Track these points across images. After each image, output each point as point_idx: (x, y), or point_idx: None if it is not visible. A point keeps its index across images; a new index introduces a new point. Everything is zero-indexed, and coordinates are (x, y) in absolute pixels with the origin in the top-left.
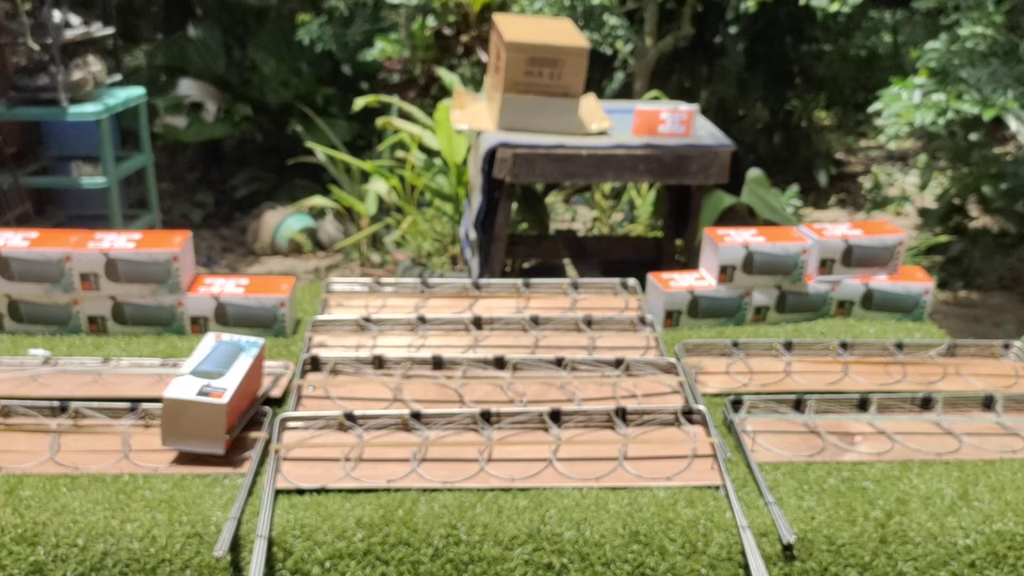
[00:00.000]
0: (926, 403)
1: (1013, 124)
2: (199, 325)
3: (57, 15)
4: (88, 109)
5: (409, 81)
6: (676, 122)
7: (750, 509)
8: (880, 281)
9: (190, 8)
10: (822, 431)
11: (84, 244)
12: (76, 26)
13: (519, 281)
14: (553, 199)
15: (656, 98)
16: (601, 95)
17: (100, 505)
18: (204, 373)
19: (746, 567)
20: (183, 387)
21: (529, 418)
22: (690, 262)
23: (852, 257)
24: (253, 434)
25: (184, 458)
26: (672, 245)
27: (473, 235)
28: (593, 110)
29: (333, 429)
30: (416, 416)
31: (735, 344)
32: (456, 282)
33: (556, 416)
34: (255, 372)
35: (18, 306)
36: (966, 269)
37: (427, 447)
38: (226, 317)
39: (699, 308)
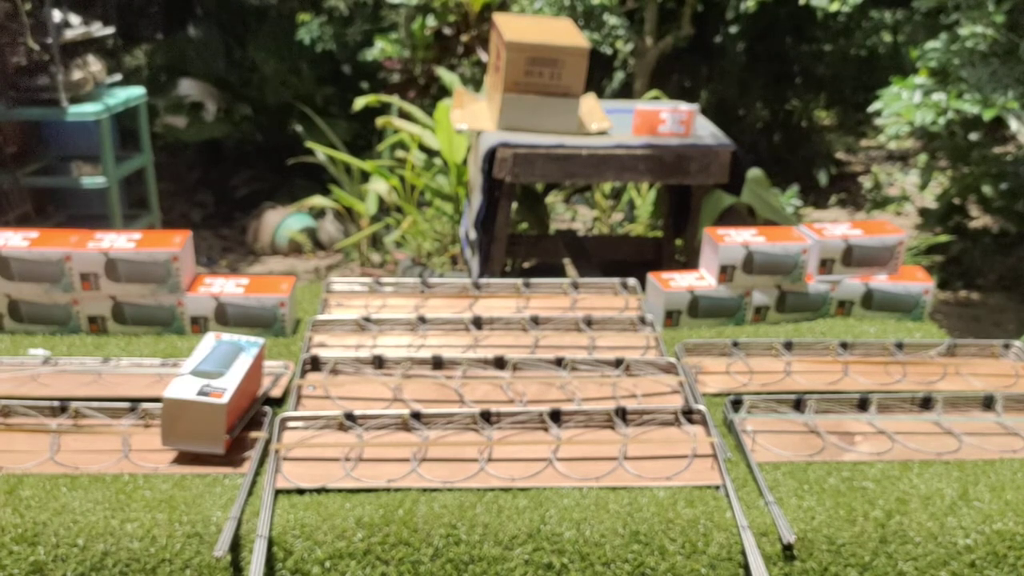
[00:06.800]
0: (926, 403)
1: (1013, 124)
2: (199, 325)
3: (57, 15)
4: (88, 109)
5: (409, 81)
6: (676, 122)
7: (750, 509)
8: (880, 281)
9: (190, 8)
10: (822, 431)
11: (84, 244)
12: (76, 26)
13: (519, 281)
14: (553, 199)
15: (656, 98)
16: (601, 95)
17: (100, 505)
18: (204, 373)
19: (746, 567)
20: (183, 387)
21: (529, 418)
22: (690, 262)
23: (852, 257)
24: (253, 434)
25: (184, 458)
26: (672, 245)
27: (473, 235)
28: (593, 110)
29: (333, 429)
30: (416, 416)
31: (735, 344)
32: (456, 282)
33: (556, 416)
34: (255, 372)
35: (18, 306)
36: (966, 269)
37: (427, 447)
38: (226, 317)
39: (699, 308)
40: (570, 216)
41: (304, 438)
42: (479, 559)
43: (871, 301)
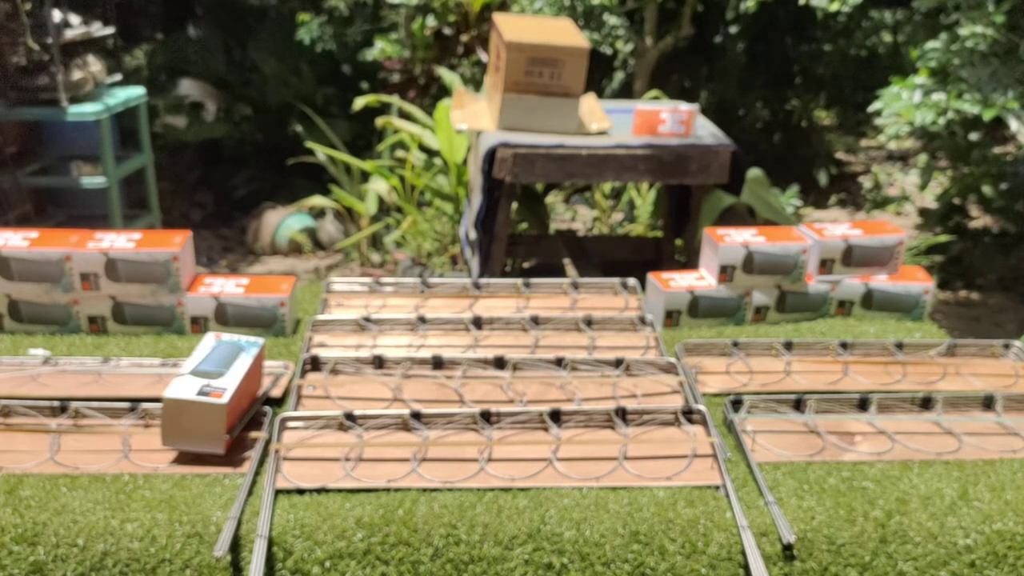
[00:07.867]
0: (926, 403)
1: (1013, 124)
2: (199, 325)
3: (57, 15)
4: (88, 109)
5: (409, 81)
6: (676, 122)
7: (750, 509)
8: (880, 281)
9: (190, 8)
10: (822, 431)
11: (84, 244)
12: (76, 26)
13: (519, 281)
14: (553, 199)
15: (656, 98)
16: (601, 95)
17: (100, 505)
18: (204, 373)
19: (746, 567)
20: (183, 387)
21: (529, 418)
22: (690, 262)
23: (852, 257)
24: (253, 434)
25: (184, 458)
26: (672, 245)
27: (473, 235)
28: (593, 110)
29: (333, 429)
30: (416, 416)
31: (735, 344)
32: (456, 282)
33: (556, 416)
34: (255, 372)
35: (18, 306)
36: (966, 269)
37: (427, 447)
38: (226, 317)
39: (699, 308)
40: (570, 216)
41: (304, 438)
42: (479, 559)
43: (871, 301)
